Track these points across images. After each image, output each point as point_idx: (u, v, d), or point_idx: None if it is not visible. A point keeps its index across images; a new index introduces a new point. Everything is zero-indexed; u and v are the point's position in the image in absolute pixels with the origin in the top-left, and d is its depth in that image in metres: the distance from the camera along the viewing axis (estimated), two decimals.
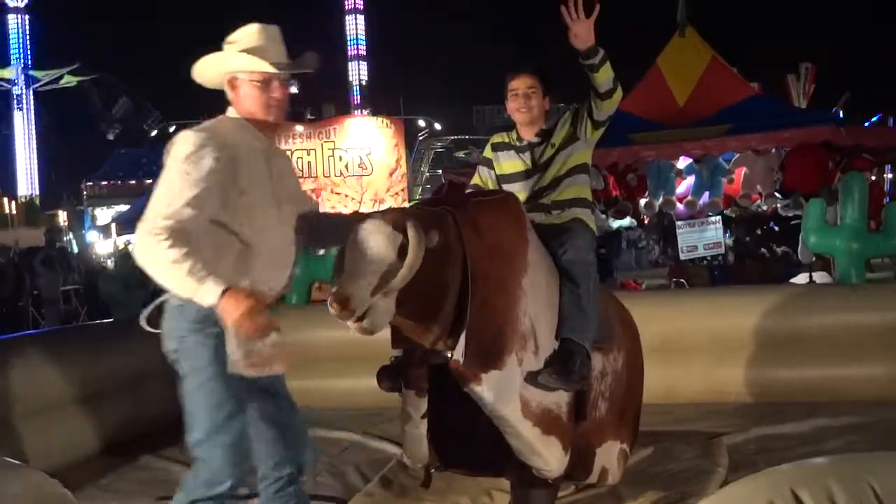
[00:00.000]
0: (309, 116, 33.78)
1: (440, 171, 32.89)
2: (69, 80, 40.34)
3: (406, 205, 17.64)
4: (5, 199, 36.40)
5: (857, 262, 6.78)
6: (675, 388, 6.04)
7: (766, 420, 5.65)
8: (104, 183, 50.74)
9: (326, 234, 3.65)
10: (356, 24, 44.20)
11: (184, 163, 3.03)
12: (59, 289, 16.52)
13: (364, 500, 4.29)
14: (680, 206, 11.52)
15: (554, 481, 3.75)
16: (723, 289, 8.70)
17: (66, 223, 37.75)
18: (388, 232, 3.13)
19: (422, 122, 37.95)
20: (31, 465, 2.74)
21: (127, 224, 39.86)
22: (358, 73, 44.11)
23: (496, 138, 4.33)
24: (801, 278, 10.11)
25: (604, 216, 11.83)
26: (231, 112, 3.31)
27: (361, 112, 37.47)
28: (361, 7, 43.48)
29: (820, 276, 9.64)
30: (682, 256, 12.22)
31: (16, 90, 41.64)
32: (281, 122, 3.36)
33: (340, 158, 32.40)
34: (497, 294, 3.43)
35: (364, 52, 44.83)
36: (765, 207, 12.34)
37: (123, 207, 45.32)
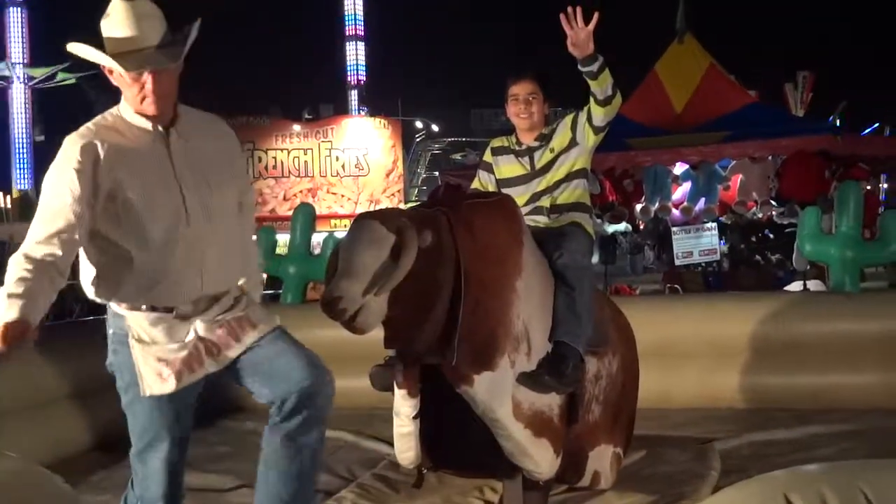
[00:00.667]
0: (307, 116, 33.84)
1: (437, 173, 32.98)
2: (64, 77, 40.35)
3: (402, 205, 17.67)
4: (0, 194, 36.31)
5: (852, 271, 6.80)
6: (668, 393, 6.05)
7: (758, 426, 5.66)
8: None
9: None
10: (355, 26, 44.22)
11: (48, 177, 2.89)
12: None
13: (355, 491, 4.29)
14: (676, 212, 11.53)
15: (545, 483, 3.76)
16: (718, 295, 8.73)
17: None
18: (382, 232, 3.14)
19: (419, 124, 38.03)
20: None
21: None
22: (356, 73, 44.10)
23: (496, 142, 4.35)
24: (796, 286, 10.14)
25: (599, 221, 11.84)
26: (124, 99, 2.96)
27: (359, 113, 37.48)
28: (361, 8, 43.47)
29: (814, 284, 9.68)
30: (678, 262, 12.24)
31: (13, 86, 41.58)
32: (166, 113, 2.94)
33: (337, 158, 32.44)
34: (490, 296, 3.44)
35: (363, 53, 44.82)
36: (760, 215, 12.36)
37: None
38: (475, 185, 4.38)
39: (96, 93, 39.73)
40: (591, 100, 3.91)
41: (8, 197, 36.99)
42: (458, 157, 44.57)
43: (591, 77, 3.82)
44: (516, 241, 3.65)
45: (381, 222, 3.18)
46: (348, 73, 44.54)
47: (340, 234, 5.15)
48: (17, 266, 2.80)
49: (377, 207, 6.82)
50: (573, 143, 4.06)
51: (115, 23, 2.83)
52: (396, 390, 3.62)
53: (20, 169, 42.41)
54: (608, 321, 4.13)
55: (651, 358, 4.57)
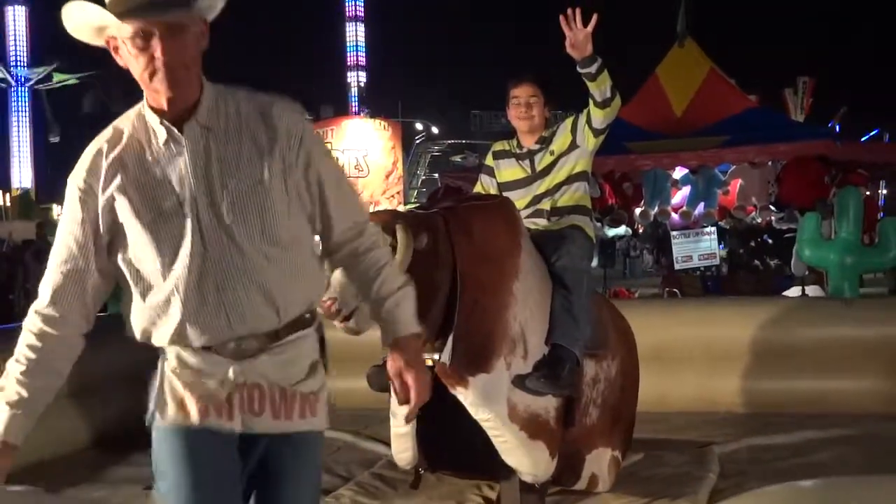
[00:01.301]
0: (307, 117, 33.81)
1: (436, 175, 32.95)
2: (64, 78, 40.41)
3: (401, 208, 17.69)
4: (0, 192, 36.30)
5: (851, 276, 6.81)
6: (667, 397, 6.05)
7: (756, 430, 5.67)
8: None
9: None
10: (356, 28, 44.23)
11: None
12: None
13: (353, 489, 4.30)
14: (675, 216, 11.54)
15: (541, 485, 3.76)
16: (716, 299, 8.74)
17: (61, 216, 37.64)
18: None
19: (419, 126, 38.01)
20: (23, 457, 2.73)
21: None
22: (357, 74, 44.11)
23: (497, 146, 4.36)
24: (794, 291, 10.14)
25: (599, 224, 11.84)
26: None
27: (359, 114, 37.48)
28: (362, 15, 43.50)
29: (813, 290, 9.67)
30: (677, 266, 12.24)
31: (11, 87, 41.58)
32: (185, 95, 2.19)
33: (337, 160, 32.37)
34: (487, 298, 3.46)
35: (363, 55, 44.83)
36: (759, 220, 12.37)
37: None
38: (477, 189, 4.40)
39: (92, 98, 39.71)
40: (591, 102, 3.92)
41: (7, 195, 36.96)
42: (457, 159, 44.52)
43: (589, 79, 3.83)
44: (514, 244, 3.65)
45: (377, 224, 3.18)
46: (349, 74, 44.56)
47: None
48: (18, 348, 2.31)
49: (376, 209, 6.85)
50: (573, 145, 4.07)
51: None
52: (392, 391, 3.62)
53: (20, 168, 42.40)
54: (608, 325, 4.13)
55: (649, 361, 4.58)
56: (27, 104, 42.51)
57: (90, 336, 2.42)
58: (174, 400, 2.34)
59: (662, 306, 7.62)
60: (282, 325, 2.27)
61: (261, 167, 2.22)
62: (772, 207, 11.18)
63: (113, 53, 2.23)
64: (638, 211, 11.45)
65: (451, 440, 3.75)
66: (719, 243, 13.54)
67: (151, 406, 2.40)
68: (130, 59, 2.17)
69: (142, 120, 2.25)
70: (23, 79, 41.41)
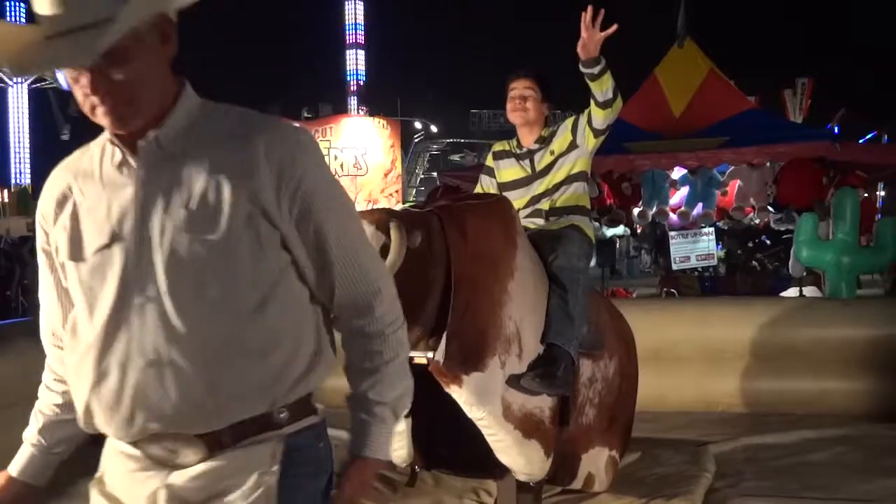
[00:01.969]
0: (305, 115, 33.82)
1: (435, 174, 32.97)
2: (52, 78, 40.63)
3: (399, 206, 17.69)
4: None
5: (848, 278, 6.83)
6: (664, 397, 6.07)
7: (753, 430, 5.69)
8: None
9: None
10: (355, 27, 44.25)
11: None
12: None
13: None
14: (673, 217, 11.55)
15: (537, 484, 3.77)
16: (714, 299, 8.75)
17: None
18: (370, 231, 3.16)
19: (418, 125, 38.02)
20: None
21: None
22: (356, 73, 44.12)
23: (497, 146, 4.38)
24: (791, 292, 10.17)
25: (597, 224, 11.85)
26: None
27: (358, 112, 37.49)
28: (362, 14, 43.51)
29: (810, 291, 9.70)
30: (675, 267, 12.26)
31: (11, 90, 41.69)
32: (140, 124, 1.68)
33: (336, 158, 32.43)
34: (481, 297, 3.46)
35: (363, 53, 44.84)
36: (757, 221, 12.38)
37: None
38: (477, 190, 4.40)
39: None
40: (592, 102, 3.93)
41: (5, 191, 36.96)
42: (456, 157, 44.57)
43: (591, 79, 3.84)
44: (510, 243, 3.66)
45: (370, 222, 3.21)
46: (348, 76, 44.57)
47: None
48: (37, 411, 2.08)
49: (374, 207, 6.85)
50: (573, 145, 4.08)
51: None
52: None
53: (18, 165, 42.44)
54: (606, 325, 4.14)
55: (647, 361, 4.60)
56: (25, 102, 42.61)
57: None
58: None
59: (660, 306, 7.64)
60: (223, 427, 1.69)
61: (228, 212, 1.64)
62: (770, 208, 11.19)
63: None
64: (636, 211, 11.46)
65: (446, 438, 3.76)
66: (717, 244, 13.56)
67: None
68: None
69: (99, 147, 1.78)
70: (21, 77, 41.48)
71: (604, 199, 10.89)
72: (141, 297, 1.65)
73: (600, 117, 3.94)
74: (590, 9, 3.78)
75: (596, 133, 4.01)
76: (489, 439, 3.54)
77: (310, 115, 34.02)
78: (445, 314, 3.34)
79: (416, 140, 41.76)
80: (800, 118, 21.85)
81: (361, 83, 42.44)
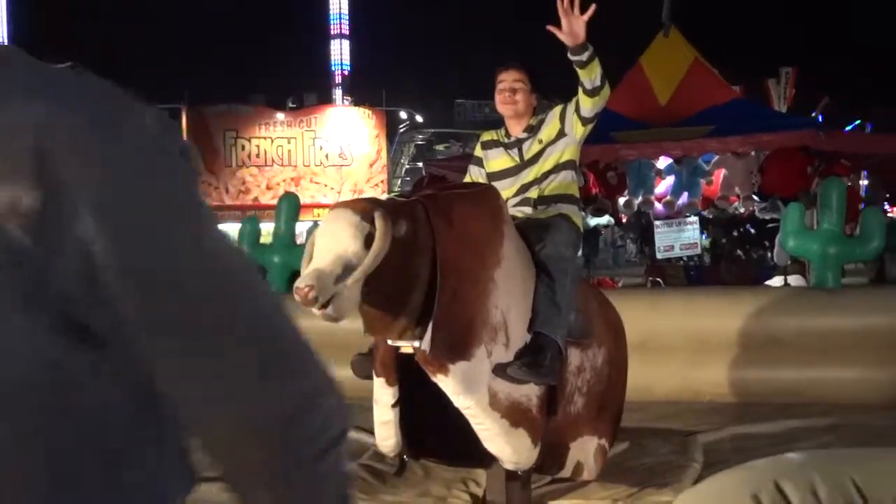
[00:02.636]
0: (290, 105, 33.68)
1: (420, 164, 32.90)
2: None
3: (384, 196, 17.69)
4: None
5: (834, 267, 6.84)
6: (651, 387, 6.08)
7: (740, 419, 5.72)
8: None
9: None
10: (339, 16, 44.07)
11: None
12: None
13: None
14: (658, 206, 11.58)
15: (524, 473, 3.78)
16: (700, 289, 8.76)
17: None
18: (355, 221, 3.18)
19: (403, 115, 37.90)
20: None
21: None
22: (340, 63, 43.94)
23: (485, 136, 4.36)
24: (776, 281, 10.19)
25: (583, 214, 11.86)
26: None
27: (343, 102, 37.39)
28: (346, 4, 43.34)
29: (795, 280, 9.72)
30: (659, 256, 12.28)
31: None
32: None
33: (321, 148, 32.34)
34: (467, 286, 3.46)
35: (347, 43, 44.66)
36: (742, 210, 12.43)
37: None
38: (466, 179, 4.39)
39: None
40: (580, 90, 3.92)
41: None
42: (441, 147, 44.52)
43: (580, 66, 3.83)
44: (496, 232, 3.66)
45: (355, 212, 3.22)
46: (333, 65, 44.39)
47: None
48: None
49: (359, 197, 6.82)
50: (561, 133, 4.07)
51: None
52: (375, 378, 3.65)
53: None
54: (594, 313, 4.14)
55: (633, 351, 4.60)
56: None
57: None
58: None
59: (646, 296, 7.65)
60: None
61: None
62: (755, 197, 11.23)
63: None
64: (622, 200, 11.49)
65: (433, 427, 3.76)
66: (702, 233, 13.58)
67: None
68: None
69: None
70: None
71: (589, 188, 10.90)
72: None
73: (588, 105, 3.93)
74: None
75: (584, 121, 4.00)
76: (476, 428, 3.54)
77: (294, 105, 33.89)
78: (431, 303, 3.34)
79: (402, 130, 41.68)
80: (784, 107, 21.88)
81: (346, 73, 42.30)
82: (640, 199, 11.26)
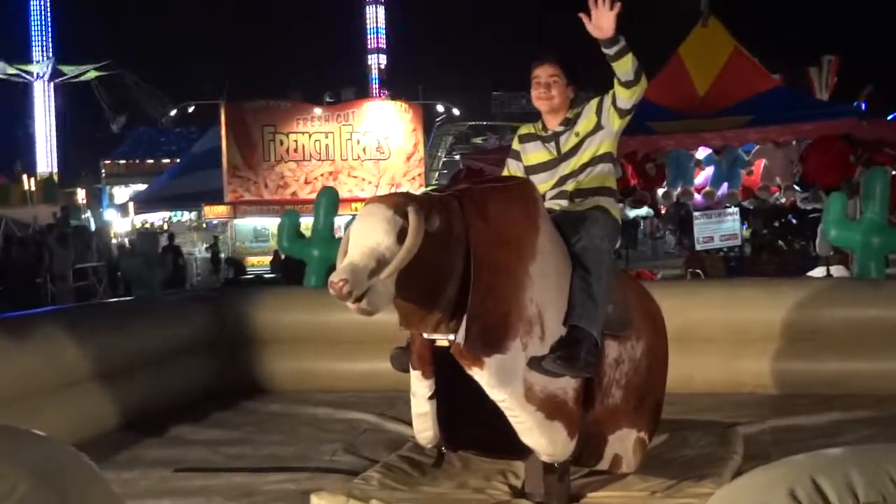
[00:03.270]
0: (328, 99, 33.83)
1: (457, 157, 32.90)
2: (91, 75, 41.41)
3: (422, 189, 17.70)
4: (24, 176, 36.66)
5: (877, 257, 6.76)
6: (691, 378, 6.04)
7: (781, 412, 5.66)
8: (122, 161, 51.04)
9: None
10: (376, 11, 44.18)
11: None
12: (70, 266, 16.63)
13: (380, 471, 4.32)
14: (698, 197, 11.48)
15: (561, 465, 3.78)
16: (741, 280, 8.69)
17: (85, 201, 38.06)
18: (389, 215, 3.19)
19: (440, 108, 37.85)
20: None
21: (145, 203, 40.28)
22: (377, 56, 44.09)
23: (523, 130, 4.36)
24: (818, 272, 10.09)
25: (621, 205, 11.79)
26: None
27: (380, 96, 37.46)
28: None
29: (837, 270, 9.62)
30: (699, 247, 12.20)
31: (38, 83, 42.31)
32: None
33: (358, 142, 32.45)
34: (502, 280, 3.47)
35: (384, 37, 44.76)
36: (783, 200, 12.29)
37: (141, 186, 45.69)
38: (504, 173, 4.39)
39: (105, 88, 40.58)
40: (616, 82, 3.90)
41: (32, 179, 37.32)
42: (478, 140, 44.50)
43: (611, 59, 3.81)
44: (532, 225, 3.66)
45: (389, 206, 3.23)
46: (369, 57, 44.55)
47: None
48: None
49: (392, 192, 6.85)
50: (598, 126, 4.05)
51: None
52: (411, 371, 3.67)
53: (45, 154, 42.97)
54: (633, 306, 4.12)
55: (673, 343, 4.57)
56: (51, 95, 43.52)
57: (118, 319, 2.40)
58: None
59: (686, 287, 7.60)
60: None
61: None
62: (796, 187, 11.10)
63: None
64: (660, 192, 11.40)
65: (471, 419, 3.78)
66: (742, 224, 13.46)
67: None
68: None
69: None
70: (52, 74, 42.43)
71: (627, 179, 10.84)
72: None
73: (624, 97, 3.92)
74: None
75: (621, 113, 3.98)
76: (511, 421, 3.55)
77: (332, 100, 34.04)
78: (466, 297, 3.35)
79: (438, 123, 41.67)
80: (826, 95, 21.58)
81: (383, 66, 42.42)
82: (678, 190, 11.16)
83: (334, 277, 3.07)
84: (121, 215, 40.81)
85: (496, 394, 3.47)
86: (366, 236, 3.19)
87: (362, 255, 3.14)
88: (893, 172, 11.16)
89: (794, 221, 17.79)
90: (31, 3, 42.41)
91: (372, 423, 5.75)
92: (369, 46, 44.99)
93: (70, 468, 1.99)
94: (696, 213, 12.18)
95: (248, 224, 32.72)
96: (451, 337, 3.43)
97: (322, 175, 31.74)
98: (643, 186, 11.41)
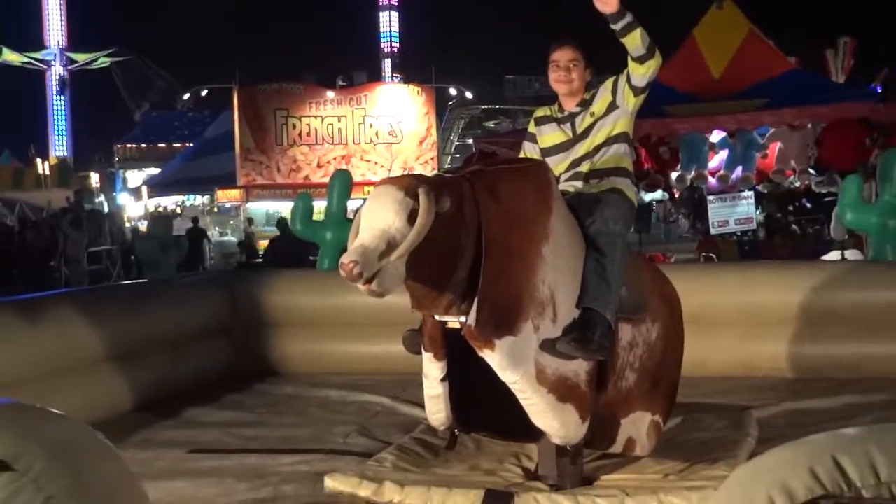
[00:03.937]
0: (340, 83, 33.81)
1: (470, 140, 32.82)
2: (104, 62, 41.56)
3: (433, 172, 17.69)
4: (38, 160, 36.78)
5: (893, 240, 6.72)
6: (705, 362, 6.02)
7: (795, 395, 5.64)
8: (135, 146, 51.18)
9: None
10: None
11: None
12: (84, 249, 16.72)
13: (394, 453, 4.33)
14: (712, 180, 11.42)
15: (574, 448, 3.78)
16: (755, 264, 8.65)
17: (98, 185, 38.21)
18: (399, 197, 3.19)
19: (453, 91, 37.74)
20: None
21: (158, 187, 40.39)
22: (390, 40, 43.97)
23: (539, 112, 4.34)
24: (833, 256, 10.03)
25: (635, 189, 11.74)
26: None
27: (393, 80, 37.38)
28: None
29: (852, 254, 9.57)
30: (713, 231, 12.14)
31: (52, 71, 42.47)
32: None
33: (371, 126, 32.40)
34: (514, 261, 3.47)
35: (396, 19, 44.65)
36: (798, 184, 12.22)
37: (154, 170, 45.83)
38: (521, 156, 4.38)
39: (125, 75, 40.77)
40: (629, 59, 3.88)
41: (46, 163, 37.44)
42: (491, 124, 44.38)
43: (620, 35, 3.80)
44: (545, 207, 3.65)
45: (399, 188, 3.23)
46: (382, 41, 44.44)
47: None
48: None
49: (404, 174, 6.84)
50: (613, 105, 4.03)
51: None
52: (424, 353, 3.67)
53: (59, 138, 43.16)
54: (648, 288, 4.10)
55: (687, 325, 4.55)
56: (66, 82, 43.80)
57: (132, 302, 2.42)
58: None
59: (701, 271, 7.56)
60: None
61: None
62: (811, 171, 11.04)
63: None
64: (674, 175, 11.35)
65: (483, 401, 3.77)
66: (756, 207, 13.38)
67: None
68: None
69: None
70: (66, 61, 42.66)
71: (641, 163, 10.80)
72: None
73: (638, 74, 3.89)
74: None
75: (636, 91, 3.95)
76: (523, 403, 3.55)
77: (344, 83, 34.01)
78: (478, 279, 3.35)
79: (451, 107, 41.57)
80: (842, 78, 21.40)
81: (395, 49, 42.32)
82: (692, 173, 11.10)
83: (344, 259, 3.07)
84: (134, 199, 40.94)
85: (507, 376, 3.47)
86: (376, 218, 3.20)
87: (373, 237, 3.14)
88: None
89: (808, 205, 17.70)
90: None
91: (385, 405, 5.76)
92: (382, 29, 44.88)
93: (86, 446, 2.00)
94: (710, 197, 12.12)
95: (260, 208, 32.78)
96: (463, 319, 3.43)
97: (335, 159, 31.72)
98: (657, 170, 11.36)
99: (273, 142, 31.86)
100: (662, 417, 4.25)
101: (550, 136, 4.21)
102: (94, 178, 40.22)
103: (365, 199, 3.45)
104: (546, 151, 4.21)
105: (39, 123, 43.77)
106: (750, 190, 12.01)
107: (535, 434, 3.77)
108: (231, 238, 29.51)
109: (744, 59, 11.07)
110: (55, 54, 42.00)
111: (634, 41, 3.79)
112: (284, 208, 28.63)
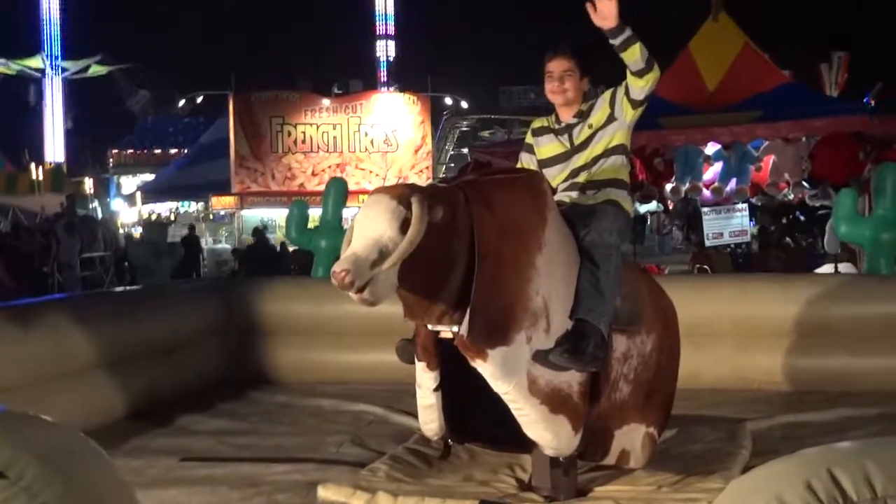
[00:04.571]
0: (336, 91, 33.81)
1: (465, 150, 32.86)
2: (97, 70, 41.64)
3: (428, 182, 17.66)
4: (32, 165, 36.71)
5: (887, 253, 6.73)
6: (699, 374, 6.02)
7: (789, 408, 5.64)
8: (130, 151, 51.10)
9: None
10: (385, 1, 44.08)
11: None
12: (77, 255, 16.67)
13: (388, 463, 4.31)
14: (706, 193, 11.46)
15: (567, 459, 3.77)
16: (749, 276, 8.67)
17: (92, 190, 38.15)
18: (392, 206, 3.20)
19: (448, 101, 37.75)
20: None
21: (152, 193, 40.32)
22: (385, 49, 44.00)
23: (536, 123, 4.35)
24: (826, 269, 10.06)
25: (631, 200, 11.75)
26: None
27: (388, 88, 37.40)
28: None
29: (845, 267, 9.58)
30: (708, 243, 12.17)
31: (46, 77, 42.54)
32: None
33: (366, 134, 32.39)
34: (507, 271, 3.47)
35: (392, 29, 44.69)
36: (792, 196, 12.25)
37: (149, 176, 45.75)
38: (518, 167, 4.38)
39: (127, 84, 40.92)
40: (628, 73, 3.89)
41: (40, 168, 37.36)
42: (486, 134, 44.41)
43: (620, 50, 3.81)
44: (538, 217, 3.65)
45: (392, 197, 3.24)
46: (377, 50, 44.47)
47: None
48: None
49: (396, 183, 6.86)
50: (611, 117, 4.04)
51: None
52: (417, 363, 3.67)
53: (53, 144, 43.15)
54: (643, 300, 4.09)
55: (681, 337, 4.54)
56: (60, 88, 43.89)
57: (125, 308, 2.41)
58: None
59: (694, 283, 7.56)
60: None
61: None
62: (805, 184, 11.07)
63: None
64: (669, 187, 11.37)
65: (477, 412, 3.77)
66: (750, 220, 13.42)
67: None
68: None
69: None
70: (60, 68, 42.75)
71: (636, 174, 10.82)
72: None
73: (637, 88, 3.90)
74: None
75: (634, 104, 3.96)
76: (515, 413, 3.55)
77: (340, 92, 34.01)
78: (471, 288, 3.35)
79: (446, 116, 41.61)
80: (836, 92, 21.50)
81: (391, 58, 42.36)
82: (687, 185, 11.13)
83: (336, 267, 3.07)
84: (128, 205, 40.85)
85: (500, 386, 3.46)
86: (369, 227, 3.20)
87: (365, 246, 3.14)
88: None
89: (801, 218, 17.76)
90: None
91: (378, 414, 5.75)
92: (378, 36, 44.92)
93: (78, 454, 1.99)
94: (705, 209, 12.16)
95: (254, 215, 32.76)
96: (455, 328, 3.42)
97: (329, 167, 31.69)
98: (651, 181, 11.38)
99: (268, 149, 31.83)
100: (657, 430, 4.24)
101: (548, 147, 4.21)
102: (88, 184, 40.15)
103: (359, 208, 3.46)
104: (544, 162, 4.21)
105: (34, 128, 43.76)
106: (744, 202, 12.05)
107: (528, 445, 3.76)
108: (225, 245, 29.49)
109: (739, 72, 11.12)
110: (49, 63, 42.08)
111: (634, 55, 3.80)
112: (279, 216, 28.59)
